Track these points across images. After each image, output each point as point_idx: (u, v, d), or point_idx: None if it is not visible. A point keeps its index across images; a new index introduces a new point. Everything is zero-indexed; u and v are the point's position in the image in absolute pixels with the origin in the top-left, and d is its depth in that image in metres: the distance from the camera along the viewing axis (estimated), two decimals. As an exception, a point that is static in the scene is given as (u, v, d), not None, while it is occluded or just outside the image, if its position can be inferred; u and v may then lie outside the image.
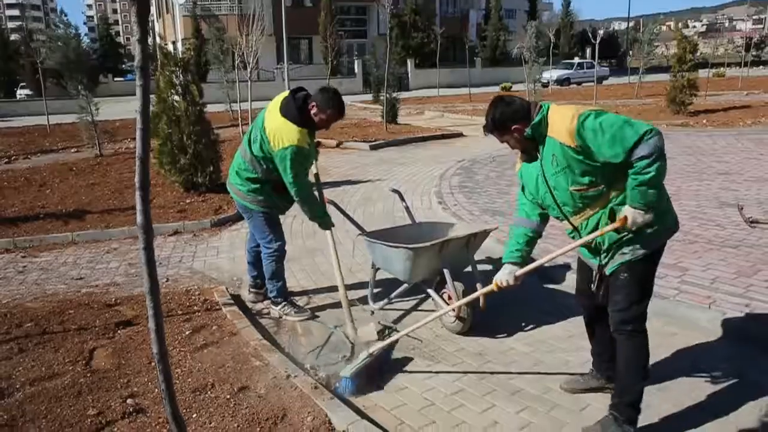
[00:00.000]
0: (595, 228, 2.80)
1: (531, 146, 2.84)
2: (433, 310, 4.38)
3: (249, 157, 4.20)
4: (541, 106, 2.80)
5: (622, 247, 2.77)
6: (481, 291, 3.34)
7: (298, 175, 4.06)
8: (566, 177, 2.73)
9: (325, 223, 4.34)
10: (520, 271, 3.01)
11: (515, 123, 2.79)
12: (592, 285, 2.99)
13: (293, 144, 3.97)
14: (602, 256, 2.86)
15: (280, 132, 4.00)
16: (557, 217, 2.96)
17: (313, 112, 4.07)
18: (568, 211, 2.86)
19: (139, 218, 1.82)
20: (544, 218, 3.06)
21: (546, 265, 5.05)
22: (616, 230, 2.71)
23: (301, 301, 4.72)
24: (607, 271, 2.85)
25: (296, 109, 4.04)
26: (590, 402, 3.21)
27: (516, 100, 2.83)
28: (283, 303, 4.51)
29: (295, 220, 4.81)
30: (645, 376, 2.87)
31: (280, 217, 4.53)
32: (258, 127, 4.17)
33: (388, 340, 3.65)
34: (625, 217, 2.63)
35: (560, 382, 3.40)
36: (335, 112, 4.11)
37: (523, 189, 3.08)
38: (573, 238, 2.99)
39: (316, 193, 4.33)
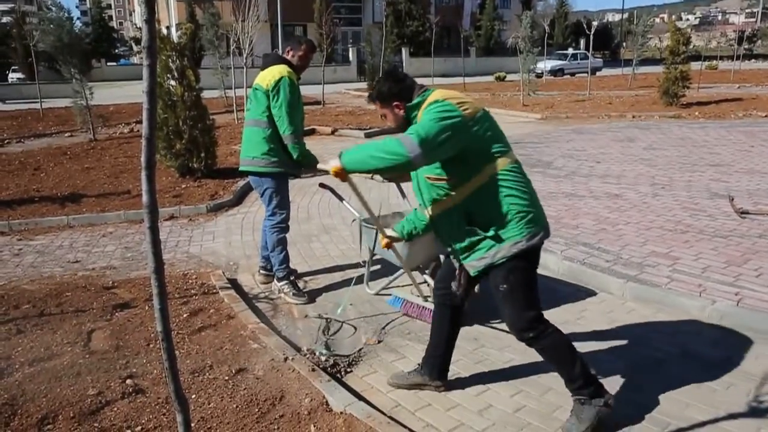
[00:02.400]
0: (451, 226, 2.82)
1: (405, 126, 2.86)
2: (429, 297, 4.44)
3: (252, 121, 4.42)
4: (425, 90, 2.85)
5: (480, 251, 2.77)
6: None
7: (291, 107, 4.27)
8: None
9: (311, 159, 4.45)
10: (389, 232, 3.29)
11: (398, 99, 2.85)
12: (454, 283, 3.02)
13: (283, 75, 4.27)
14: (460, 256, 2.87)
15: (270, 74, 4.31)
16: (421, 205, 3.00)
17: (290, 55, 4.44)
18: (426, 199, 2.89)
19: (145, 198, 1.83)
20: None
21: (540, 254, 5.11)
22: (471, 231, 2.75)
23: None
24: (472, 272, 2.87)
25: (275, 58, 4.47)
26: (582, 386, 3.28)
27: (406, 79, 2.91)
28: (285, 282, 4.58)
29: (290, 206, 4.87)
30: (576, 359, 2.88)
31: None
32: (252, 90, 4.47)
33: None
34: None
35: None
36: (308, 46, 4.50)
37: None
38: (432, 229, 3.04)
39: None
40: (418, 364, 3.33)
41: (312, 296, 4.59)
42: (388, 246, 3.34)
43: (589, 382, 2.88)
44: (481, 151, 2.68)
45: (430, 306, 3.84)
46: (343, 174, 2.73)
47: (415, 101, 2.83)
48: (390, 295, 4.39)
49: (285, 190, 4.58)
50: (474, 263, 2.83)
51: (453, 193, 2.75)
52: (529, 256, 2.79)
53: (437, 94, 2.78)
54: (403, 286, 4.65)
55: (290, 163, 4.45)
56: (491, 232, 2.72)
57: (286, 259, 4.61)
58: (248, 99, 4.58)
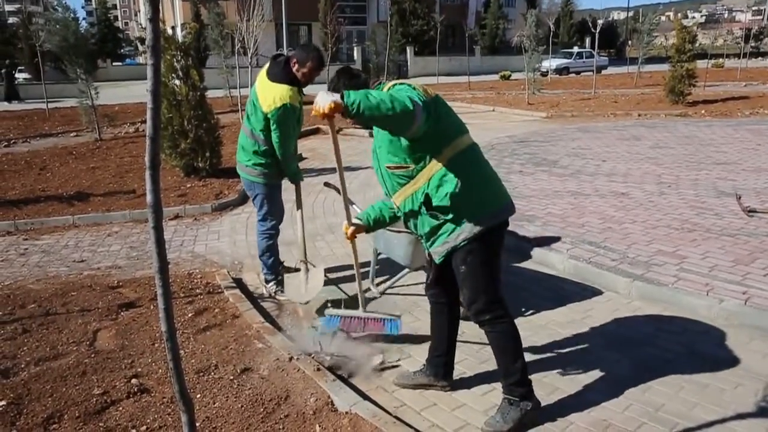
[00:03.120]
0: (415, 213, 2.83)
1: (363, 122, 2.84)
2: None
3: (249, 131, 4.41)
4: (378, 83, 2.89)
5: (443, 236, 2.81)
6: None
7: (285, 134, 4.28)
8: (384, 153, 2.81)
9: (298, 178, 4.56)
10: (351, 228, 3.21)
11: None
12: (429, 273, 3.09)
13: (285, 102, 4.19)
14: (426, 243, 2.94)
15: (272, 94, 4.21)
16: (387, 194, 3.01)
17: (295, 69, 4.28)
18: (389, 189, 2.92)
19: (149, 197, 1.83)
20: None
21: (545, 252, 5.09)
22: (433, 216, 2.76)
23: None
24: (437, 260, 2.91)
25: (281, 70, 4.28)
26: (590, 385, 3.26)
27: (360, 75, 2.97)
28: (273, 282, 4.65)
29: (295, 207, 4.88)
30: (519, 355, 2.92)
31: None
32: (252, 101, 4.40)
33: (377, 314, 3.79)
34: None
35: (562, 373, 3.44)
36: (315, 64, 4.29)
37: None
38: (399, 218, 3.05)
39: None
40: (424, 364, 3.33)
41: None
42: (352, 238, 3.28)
43: (524, 382, 2.92)
44: (441, 132, 2.72)
45: (374, 315, 3.76)
46: (334, 112, 2.48)
47: None
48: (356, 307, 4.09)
49: (276, 197, 4.60)
50: (438, 249, 2.87)
51: (414, 179, 2.78)
52: (491, 237, 2.82)
53: (392, 83, 2.81)
54: (407, 285, 4.65)
55: (281, 175, 4.52)
56: (451, 215, 2.75)
57: (275, 264, 4.66)
58: (248, 102, 4.49)
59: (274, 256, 4.63)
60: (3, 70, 25.27)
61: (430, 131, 2.66)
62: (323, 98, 2.47)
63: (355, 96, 2.43)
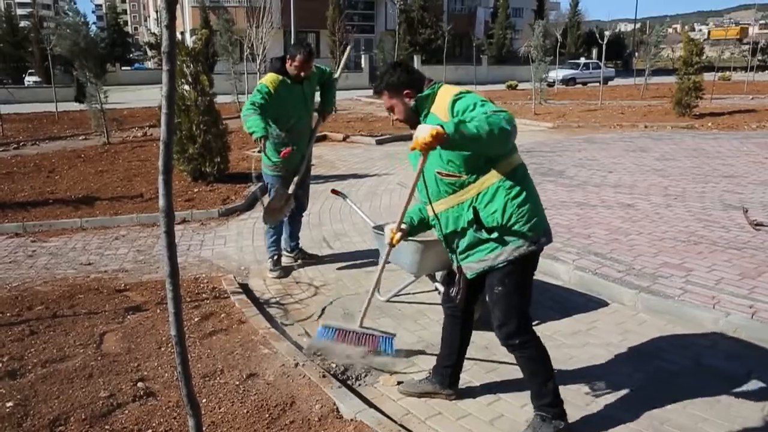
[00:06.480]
0: (455, 224, 2.76)
1: (413, 119, 2.83)
2: (439, 304, 4.42)
3: None
4: (434, 84, 2.82)
5: (481, 253, 2.74)
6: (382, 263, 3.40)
7: (250, 101, 4.77)
8: (436, 157, 2.69)
9: (259, 130, 4.62)
10: (399, 234, 3.05)
11: (408, 88, 2.80)
12: (452, 288, 2.97)
13: (261, 83, 4.84)
14: (459, 255, 2.84)
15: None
16: (424, 201, 2.93)
17: (288, 64, 4.86)
18: (432, 194, 2.82)
19: (161, 201, 1.85)
20: None
21: (551, 263, 5.08)
22: (478, 232, 2.67)
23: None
24: (469, 275, 2.83)
25: (273, 64, 5.03)
26: (595, 398, 3.25)
27: (417, 72, 2.89)
28: (269, 260, 5.26)
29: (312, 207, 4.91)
30: (550, 376, 2.86)
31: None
32: None
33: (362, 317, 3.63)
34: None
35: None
36: (303, 56, 4.80)
37: None
38: (433, 227, 2.97)
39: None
40: (429, 372, 3.32)
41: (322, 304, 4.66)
42: (397, 242, 3.08)
43: (556, 403, 2.88)
44: None
45: (370, 332, 3.63)
46: (437, 143, 2.34)
47: (425, 92, 2.77)
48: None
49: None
50: (473, 264, 2.79)
51: (463, 189, 2.70)
52: (529, 261, 2.76)
53: (452, 89, 2.75)
54: (413, 293, 4.66)
55: (285, 169, 5.03)
56: (495, 234, 2.67)
57: (275, 243, 5.27)
58: None
59: (276, 235, 5.20)
60: (74, 73, 25.43)
61: None
62: (423, 129, 2.35)
63: (459, 126, 2.37)
